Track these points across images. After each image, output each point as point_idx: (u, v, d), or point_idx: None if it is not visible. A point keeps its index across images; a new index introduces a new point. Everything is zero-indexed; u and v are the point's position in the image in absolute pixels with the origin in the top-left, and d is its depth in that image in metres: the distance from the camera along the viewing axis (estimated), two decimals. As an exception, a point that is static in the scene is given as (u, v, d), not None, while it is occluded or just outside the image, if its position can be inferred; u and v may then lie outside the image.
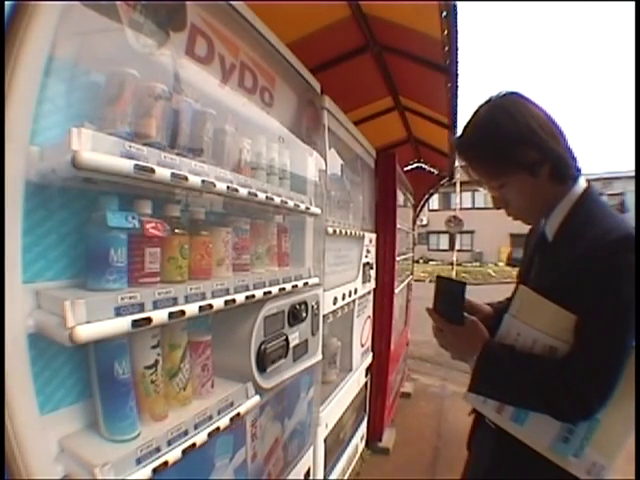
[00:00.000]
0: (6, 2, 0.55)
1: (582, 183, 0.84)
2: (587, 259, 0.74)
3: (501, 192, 0.88)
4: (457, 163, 3.64)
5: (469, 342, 0.86)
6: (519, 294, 0.85)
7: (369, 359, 2.53)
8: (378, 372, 2.65)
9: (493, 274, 15.05)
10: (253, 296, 1.04)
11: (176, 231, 0.87)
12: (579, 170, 0.84)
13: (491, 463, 0.91)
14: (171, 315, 0.76)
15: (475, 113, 0.88)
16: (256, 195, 1.04)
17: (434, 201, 20.84)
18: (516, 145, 0.80)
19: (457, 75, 1.76)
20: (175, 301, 0.79)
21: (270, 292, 1.13)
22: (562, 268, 0.79)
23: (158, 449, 0.76)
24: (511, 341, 0.83)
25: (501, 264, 18.33)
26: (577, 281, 0.75)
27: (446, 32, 1.44)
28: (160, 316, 0.74)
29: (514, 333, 0.83)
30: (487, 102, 0.87)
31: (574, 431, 0.78)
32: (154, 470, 0.73)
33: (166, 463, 0.75)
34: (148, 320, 0.72)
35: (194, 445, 0.83)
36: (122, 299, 0.68)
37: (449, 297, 0.90)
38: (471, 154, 0.89)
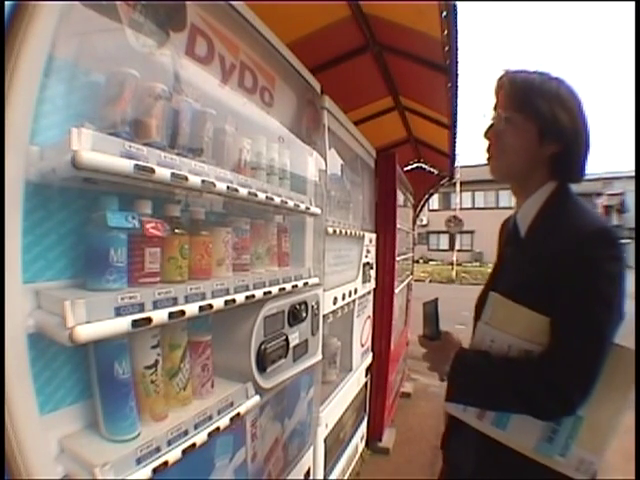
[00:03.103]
0: (6, 2, 0.55)
1: None
2: (563, 255, 0.73)
3: (502, 127, 0.83)
4: (457, 163, 3.64)
5: (444, 353, 0.84)
6: (490, 301, 0.83)
7: (369, 359, 2.53)
8: (378, 372, 2.65)
9: (493, 274, 15.01)
10: (253, 296, 1.04)
11: (176, 231, 0.87)
12: (575, 182, 0.83)
13: (478, 462, 0.87)
14: (171, 315, 0.76)
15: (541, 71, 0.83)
16: (256, 195, 1.04)
17: (434, 201, 20.84)
18: (563, 123, 0.78)
19: (457, 75, 1.77)
20: (175, 301, 0.79)
21: (270, 292, 1.13)
22: (537, 265, 0.77)
23: (158, 449, 0.76)
24: (485, 348, 0.82)
25: (501, 264, 18.28)
26: (553, 277, 0.73)
27: (446, 32, 1.44)
28: (160, 316, 0.74)
29: (488, 340, 0.82)
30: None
31: (558, 430, 0.76)
32: (154, 470, 0.73)
33: (166, 463, 0.75)
34: (148, 320, 0.72)
35: (194, 445, 0.83)
36: (122, 299, 0.68)
37: (428, 316, 0.91)
38: (523, 91, 0.81)
